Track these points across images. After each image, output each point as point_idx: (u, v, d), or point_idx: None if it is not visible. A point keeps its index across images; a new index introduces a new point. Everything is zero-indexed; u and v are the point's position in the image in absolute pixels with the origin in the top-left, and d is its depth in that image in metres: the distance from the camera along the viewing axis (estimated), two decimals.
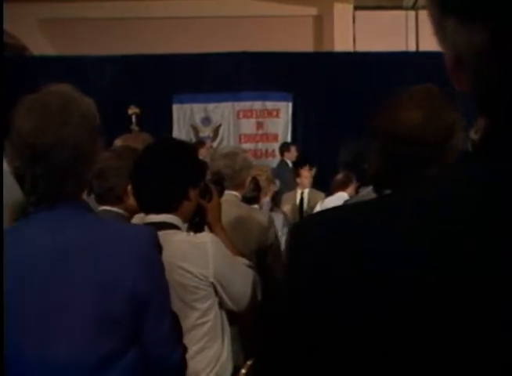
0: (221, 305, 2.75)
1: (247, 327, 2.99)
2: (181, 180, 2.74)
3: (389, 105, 1.97)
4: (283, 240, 4.96)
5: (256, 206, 5.35)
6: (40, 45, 14.27)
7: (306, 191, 9.29)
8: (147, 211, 2.74)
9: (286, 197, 8.88)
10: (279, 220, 5.28)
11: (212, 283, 2.66)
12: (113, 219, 2.15)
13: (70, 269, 1.94)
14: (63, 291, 1.94)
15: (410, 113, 1.90)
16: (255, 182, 5.59)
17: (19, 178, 2.03)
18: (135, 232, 2.06)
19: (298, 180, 9.43)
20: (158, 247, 2.07)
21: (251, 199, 5.38)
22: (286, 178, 9.81)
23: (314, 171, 10.26)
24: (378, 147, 1.94)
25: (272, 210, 6.30)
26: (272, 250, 4.23)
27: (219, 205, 3.05)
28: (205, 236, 2.74)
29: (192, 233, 2.77)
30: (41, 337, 1.95)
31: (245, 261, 2.96)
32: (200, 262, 2.62)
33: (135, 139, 4.50)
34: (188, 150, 2.88)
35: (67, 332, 1.94)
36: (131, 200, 2.90)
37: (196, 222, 2.92)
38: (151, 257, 2.03)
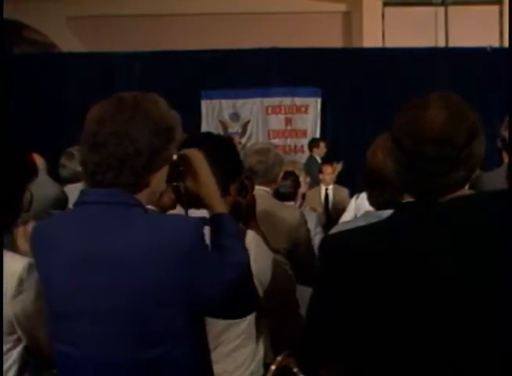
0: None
1: (277, 323, 2.99)
2: (222, 175, 2.65)
3: (413, 104, 1.97)
4: (316, 239, 4.93)
5: (292, 203, 5.28)
6: (68, 42, 14.34)
7: (330, 187, 9.29)
8: (187, 207, 2.69)
9: (310, 193, 8.82)
10: (312, 219, 5.22)
11: None
12: (161, 215, 2.19)
13: (114, 275, 1.99)
14: (106, 293, 1.99)
15: (435, 112, 1.90)
16: (295, 178, 5.45)
17: (83, 165, 2.08)
18: (179, 227, 2.04)
19: (321, 176, 9.41)
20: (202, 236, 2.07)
21: (288, 195, 5.29)
22: (316, 174, 9.78)
23: (339, 167, 10.24)
24: (399, 146, 1.93)
25: (300, 206, 6.25)
26: (304, 248, 4.20)
27: (254, 202, 3.00)
28: (247, 234, 2.70)
29: None
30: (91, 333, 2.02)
31: (282, 259, 2.92)
32: None
33: None
34: (228, 145, 2.84)
35: (115, 333, 2.00)
36: (166, 199, 2.84)
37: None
38: (196, 250, 2.03)
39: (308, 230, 4.37)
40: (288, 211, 4.30)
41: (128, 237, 2.00)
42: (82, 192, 2.12)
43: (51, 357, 2.16)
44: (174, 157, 2.20)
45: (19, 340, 2.27)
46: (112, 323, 2.00)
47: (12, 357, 2.27)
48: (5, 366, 2.25)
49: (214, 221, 2.24)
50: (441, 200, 1.90)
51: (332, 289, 1.95)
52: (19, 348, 2.29)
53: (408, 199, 1.97)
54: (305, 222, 4.35)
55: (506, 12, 14.11)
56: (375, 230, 1.98)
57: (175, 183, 2.30)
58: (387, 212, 2.74)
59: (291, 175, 5.51)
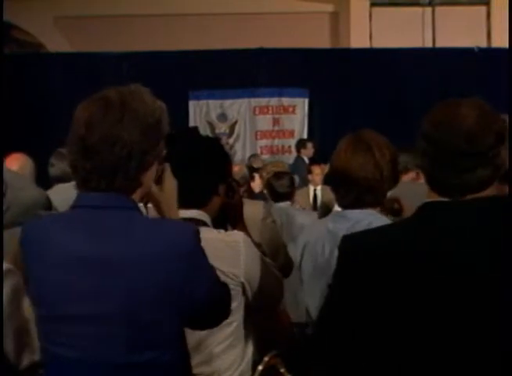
0: (246, 304, 2.70)
1: (263, 324, 2.98)
2: (212, 175, 2.68)
3: (444, 103, 2.00)
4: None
5: (288, 202, 5.30)
6: (56, 43, 14.32)
7: (319, 188, 9.29)
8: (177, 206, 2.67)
9: (298, 194, 8.81)
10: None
11: (242, 283, 2.61)
12: (158, 220, 2.15)
13: (109, 278, 1.97)
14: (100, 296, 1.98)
15: (468, 110, 1.93)
16: (290, 177, 5.48)
17: (73, 170, 2.03)
18: (177, 231, 2.03)
19: (310, 177, 9.43)
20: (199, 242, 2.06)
21: (285, 195, 5.31)
22: (303, 174, 9.80)
23: (326, 168, 10.27)
24: (430, 141, 1.95)
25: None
26: (275, 245, 4.21)
27: (242, 203, 2.99)
28: (237, 235, 2.68)
29: (222, 231, 2.68)
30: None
31: (270, 261, 2.92)
32: (231, 261, 2.55)
33: None
34: (218, 145, 2.83)
35: (109, 335, 1.99)
36: None
37: (219, 220, 2.80)
38: (193, 254, 2.02)
39: (273, 222, 4.36)
40: (250, 206, 4.26)
41: (126, 241, 1.98)
42: (79, 196, 2.08)
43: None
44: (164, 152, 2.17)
45: None
46: (106, 326, 1.98)
47: None
48: None
49: None
50: (463, 199, 1.92)
51: (348, 289, 1.97)
52: None
53: (435, 198, 1.97)
54: (269, 213, 4.34)
55: (494, 12, 14.17)
56: (392, 231, 2.03)
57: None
58: (355, 212, 2.91)
59: (286, 175, 5.61)
